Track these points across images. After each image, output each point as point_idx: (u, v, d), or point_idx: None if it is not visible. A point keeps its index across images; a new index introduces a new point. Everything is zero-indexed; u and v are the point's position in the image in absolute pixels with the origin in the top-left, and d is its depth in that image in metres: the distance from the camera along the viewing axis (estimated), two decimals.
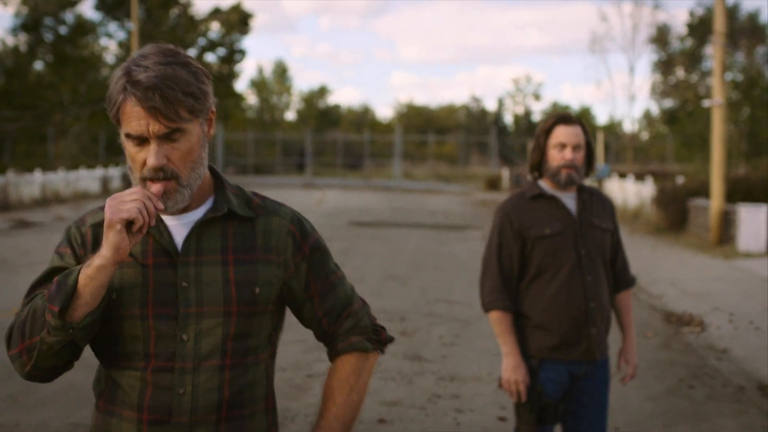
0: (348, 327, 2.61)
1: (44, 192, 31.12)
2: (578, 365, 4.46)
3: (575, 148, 4.39)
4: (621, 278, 4.69)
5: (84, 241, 2.47)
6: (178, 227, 2.44)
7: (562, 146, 4.38)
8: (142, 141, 2.31)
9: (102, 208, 2.41)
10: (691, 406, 7.93)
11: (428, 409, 7.59)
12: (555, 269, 4.42)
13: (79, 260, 2.43)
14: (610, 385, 4.62)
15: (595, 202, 4.57)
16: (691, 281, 14.79)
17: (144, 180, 2.32)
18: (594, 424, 4.53)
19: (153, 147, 2.29)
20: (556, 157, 4.39)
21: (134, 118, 2.28)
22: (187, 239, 2.43)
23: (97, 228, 2.45)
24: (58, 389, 7.96)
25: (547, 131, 4.44)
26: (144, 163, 2.31)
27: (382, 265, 16.66)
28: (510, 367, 4.41)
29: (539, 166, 4.49)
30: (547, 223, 4.43)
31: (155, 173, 2.31)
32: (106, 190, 36.58)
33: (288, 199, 35.09)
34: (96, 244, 2.42)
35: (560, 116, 4.46)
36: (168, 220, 2.44)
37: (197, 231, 2.44)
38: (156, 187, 2.31)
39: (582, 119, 4.52)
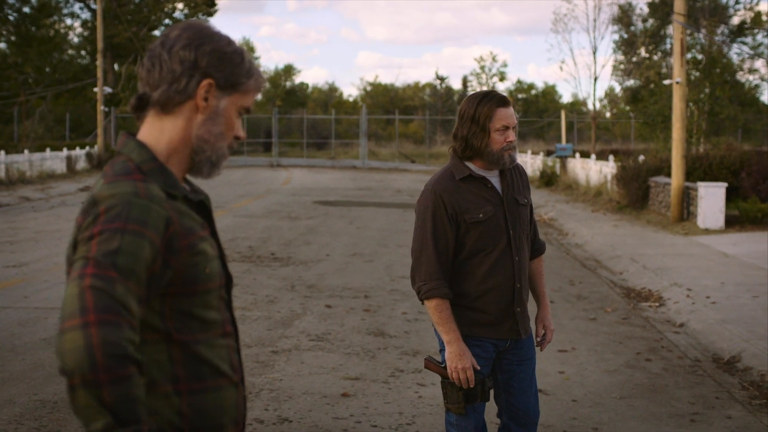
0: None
1: (9, 173, 30.93)
2: (504, 341, 4.47)
3: (514, 128, 4.36)
4: (533, 245, 4.68)
5: None
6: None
7: (505, 128, 4.32)
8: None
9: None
10: (647, 379, 8.11)
11: (391, 383, 7.72)
12: (487, 251, 4.37)
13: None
14: (535, 354, 4.63)
15: (516, 178, 4.55)
16: (650, 257, 14.98)
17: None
18: (526, 392, 4.53)
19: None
20: (498, 140, 4.32)
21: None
22: None
23: None
24: (25, 367, 8.05)
25: (489, 115, 4.33)
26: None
27: (347, 243, 16.80)
28: (455, 355, 4.28)
29: (479, 150, 4.37)
30: (480, 207, 4.36)
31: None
32: (71, 171, 36.32)
33: (255, 179, 35.02)
34: None
35: (499, 98, 4.36)
36: None
37: None
38: None
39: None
